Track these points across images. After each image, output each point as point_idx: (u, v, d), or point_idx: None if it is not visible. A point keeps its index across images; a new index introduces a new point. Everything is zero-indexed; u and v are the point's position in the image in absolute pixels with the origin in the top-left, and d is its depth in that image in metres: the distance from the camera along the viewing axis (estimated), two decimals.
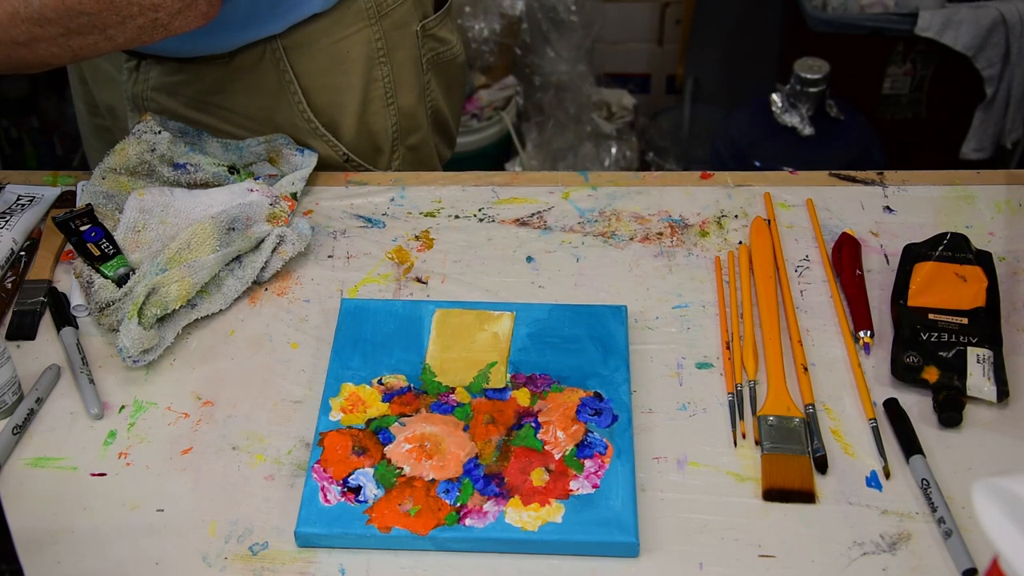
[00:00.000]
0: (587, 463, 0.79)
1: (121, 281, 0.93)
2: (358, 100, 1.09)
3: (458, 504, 0.77)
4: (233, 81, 1.06)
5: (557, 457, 0.79)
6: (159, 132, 1.03)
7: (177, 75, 1.07)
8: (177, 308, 0.90)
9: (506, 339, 0.88)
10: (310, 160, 1.06)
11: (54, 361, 0.90)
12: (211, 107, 1.08)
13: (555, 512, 0.76)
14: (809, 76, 1.90)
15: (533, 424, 0.81)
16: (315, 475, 0.78)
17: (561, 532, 0.75)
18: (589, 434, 0.81)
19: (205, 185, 1.02)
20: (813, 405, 0.83)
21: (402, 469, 0.79)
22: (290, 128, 1.08)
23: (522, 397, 0.84)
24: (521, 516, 0.76)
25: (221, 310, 0.93)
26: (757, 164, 1.95)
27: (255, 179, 1.02)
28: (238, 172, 1.04)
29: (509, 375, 0.85)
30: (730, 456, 0.81)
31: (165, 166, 1.02)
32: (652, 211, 1.02)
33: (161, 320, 0.90)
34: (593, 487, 0.77)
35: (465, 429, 0.81)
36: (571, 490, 0.77)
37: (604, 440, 0.80)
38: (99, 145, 1.24)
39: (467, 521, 0.76)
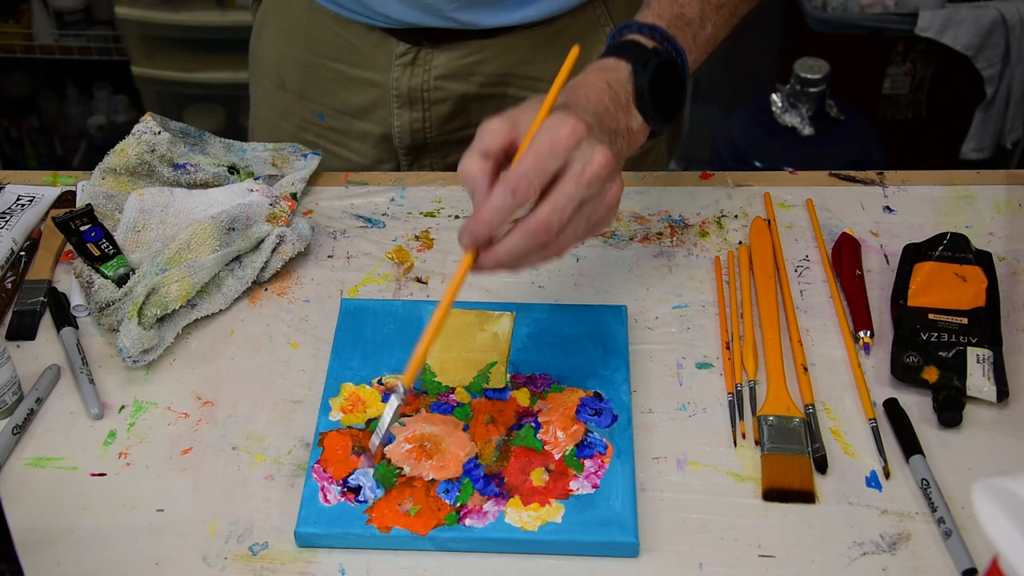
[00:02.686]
0: (587, 463, 0.79)
1: (121, 281, 0.93)
2: None
3: (458, 504, 0.76)
4: (549, 47, 1.03)
5: (557, 457, 0.79)
6: (159, 132, 1.03)
7: (475, 55, 1.03)
8: (177, 308, 0.90)
9: (506, 339, 0.88)
10: (312, 163, 1.06)
11: (54, 361, 0.90)
12: (514, 79, 1.04)
13: (555, 512, 0.76)
14: (809, 76, 1.89)
15: (533, 424, 0.81)
16: (315, 475, 0.78)
17: (561, 532, 0.75)
18: (589, 434, 0.81)
19: (205, 185, 1.03)
20: (813, 405, 0.83)
21: (402, 469, 0.79)
22: None
23: (522, 397, 0.84)
24: (521, 516, 0.76)
25: (221, 310, 0.93)
26: (757, 164, 1.95)
27: (255, 179, 1.02)
28: (238, 172, 1.04)
29: (509, 375, 0.85)
30: (730, 456, 0.81)
31: (165, 166, 1.02)
32: (652, 211, 1.02)
33: (161, 320, 0.90)
34: (593, 487, 0.77)
35: (465, 429, 0.81)
36: (571, 490, 0.77)
37: (604, 440, 0.80)
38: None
39: (467, 521, 0.75)
